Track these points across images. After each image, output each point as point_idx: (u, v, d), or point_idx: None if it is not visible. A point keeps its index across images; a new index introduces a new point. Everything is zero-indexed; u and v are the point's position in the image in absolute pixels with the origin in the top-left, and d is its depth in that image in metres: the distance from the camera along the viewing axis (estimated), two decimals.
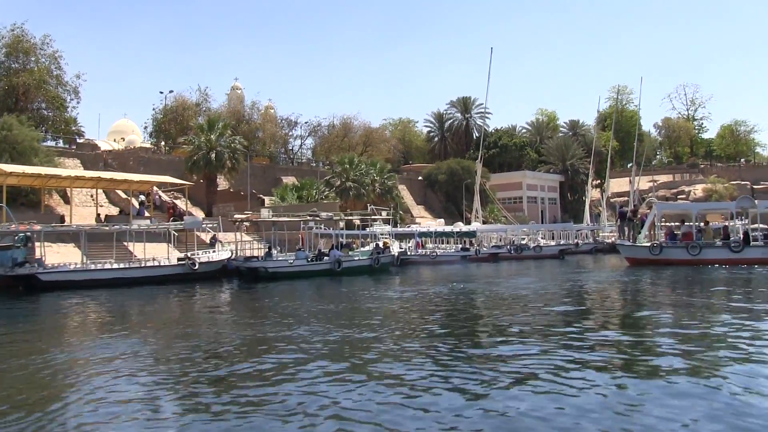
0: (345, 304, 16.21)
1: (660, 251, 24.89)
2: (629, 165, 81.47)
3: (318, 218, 27.19)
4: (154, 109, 58.83)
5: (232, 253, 28.02)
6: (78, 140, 51.49)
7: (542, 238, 52.25)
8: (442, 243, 45.13)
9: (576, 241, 49.69)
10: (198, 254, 27.30)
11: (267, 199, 50.33)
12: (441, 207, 71.25)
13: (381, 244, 31.46)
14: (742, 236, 25.21)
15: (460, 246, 42.91)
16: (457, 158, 70.89)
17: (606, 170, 68.05)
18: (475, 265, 36.46)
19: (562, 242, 48.27)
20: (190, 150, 43.20)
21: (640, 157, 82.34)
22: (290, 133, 73.06)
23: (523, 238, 52.89)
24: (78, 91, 49.11)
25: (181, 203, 42.36)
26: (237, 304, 17.86)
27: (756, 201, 26.61)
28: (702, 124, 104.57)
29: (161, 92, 59.43)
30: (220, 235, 31.17)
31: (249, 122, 63.33)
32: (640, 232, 26.17)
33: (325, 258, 27.10)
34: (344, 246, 29.93)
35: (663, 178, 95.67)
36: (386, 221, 33.71)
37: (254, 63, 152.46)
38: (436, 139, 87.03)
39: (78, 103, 50.33)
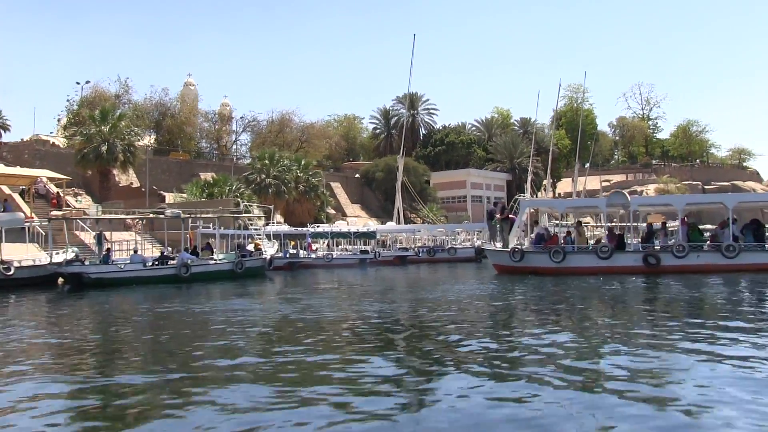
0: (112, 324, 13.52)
1: (521, 258, 21.63)
2: (585, 165, 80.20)
3: (164, 215, 24.55)
4: (68, 101, 55.46)
5: (76, 256, 25.32)
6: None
7: (480, 241, 49.95)
8: (351, 244, 42.75)
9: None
10: (28, 258, 24.62)
11: (174, 196, 47.55)
12: (379, 206, 68.82)
13: (252, 246, 28.99)
14: (616, 240, 22.61)
15: (360, 249, 40.49)
16: (395, 155, 68.29)
17: (548, 169, 66.10)
18: (374, 269, 34.09)
19: (478, 243, 46.04)
20: (80, 142, 40.34)
21: (588, 156, 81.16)
22: (224, 128, 70.31)
23: (454, 239, 50.77)
24: None
25: (73, 198, 39.63)
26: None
27: (629, 197, 23.73)
28: (657, 123, 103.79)
29: (77, 83, 55.91)
30: (114, 235, 28.48)
31: (174, 116, 60.42)
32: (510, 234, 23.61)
33: (171, 262, 24.55)
34: (205, 248, 27.38)
35: (617, 178, 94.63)
36: (261, 219, 31.18)
37: (206, 59, 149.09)
38: (382, 135, 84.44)
39: None
